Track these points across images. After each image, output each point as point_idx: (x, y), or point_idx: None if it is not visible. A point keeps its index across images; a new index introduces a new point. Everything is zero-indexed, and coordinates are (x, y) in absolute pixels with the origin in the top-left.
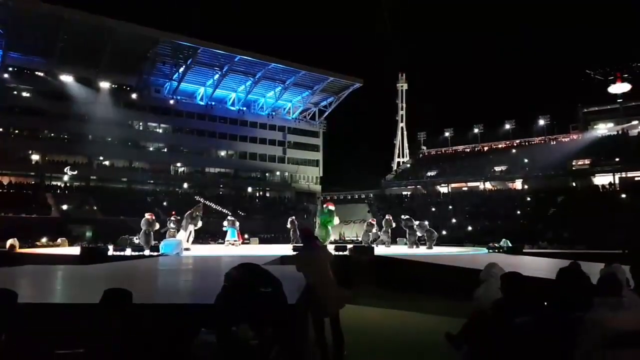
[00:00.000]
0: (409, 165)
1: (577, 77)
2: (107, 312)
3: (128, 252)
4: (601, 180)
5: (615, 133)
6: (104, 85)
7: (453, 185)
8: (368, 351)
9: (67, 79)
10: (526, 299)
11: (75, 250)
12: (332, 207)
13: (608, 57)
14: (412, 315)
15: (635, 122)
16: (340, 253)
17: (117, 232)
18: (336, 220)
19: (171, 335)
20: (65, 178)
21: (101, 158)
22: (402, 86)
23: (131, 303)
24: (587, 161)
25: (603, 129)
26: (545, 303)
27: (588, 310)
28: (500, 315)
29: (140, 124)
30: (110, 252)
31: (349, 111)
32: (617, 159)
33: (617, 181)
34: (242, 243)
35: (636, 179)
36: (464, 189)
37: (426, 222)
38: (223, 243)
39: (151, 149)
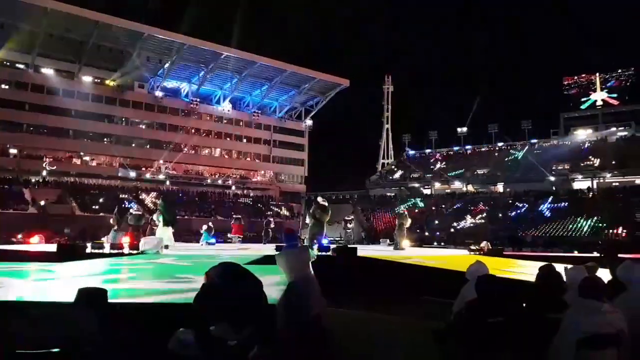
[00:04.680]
0: (393, 167)
1: (558, 84)
2: (82, 311)
3: (107, 249)
4: (580, 184)
5: (595, 139)
6: (86, 79)
7: (436, 186)
8: (351, 354)
9: (48, 72)
10: (499, 300)
11: (52, 247)
12: (321, 201)
13: (588, 65)
14: (393, 318)
15: (613, 129)
16: (324, 254)
17: (96, 229)
18: (327, 217)
19: (148, 334)
20: (44, 173)
21: (82, 153)
22: (387, 88)
23: (107, 302)
24: (566, 166)
25: (583, 134)
26: (524, 304)
27: (562, 311)
28: (473, 315)
29: (123, 119)
30: (89, 250)
31: (335, 111)
32: (595, 165)
33: (595, 186)
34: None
35: (614, 184)
36: (447, 191)
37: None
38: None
39: (133, 144)
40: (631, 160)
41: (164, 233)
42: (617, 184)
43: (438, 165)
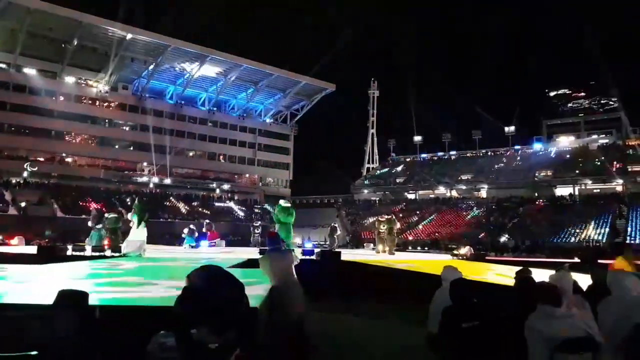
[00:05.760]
0: (378, 171)
1: (541, 90)
2: (62, 313)
3: (88, 252)
4: (562, 191)
5: (577, 146)
6: (69, 79)
7: (421, 192)
8: (332, 357)
9: (30, 72)
10: (473, 305)
11: (32, 249)
12: (283, 203)
13: (571, 73)
14: (377, 323)
15: (594, 136)
16: (307, 257)
17: (78, 231)
18: (292, 219)
19: (128, 337)
20: (25, 174)
21: (64, 155)
22: (373, 93)
23: (87, 304)
24: (549, 172)
25: (565, 141)
26: (502, 309)
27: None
28: (448, 320)
29: (106, 120)
30: (69, 252)
31: (320, 115)
32: (577, 171)
33: (577, 192)
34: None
35: (594, 190)
36: (431, 196)
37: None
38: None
39: (117, 146)
40: (611, 167)
41: (139, 234)
42: (597, 190)
43: (423, 170)
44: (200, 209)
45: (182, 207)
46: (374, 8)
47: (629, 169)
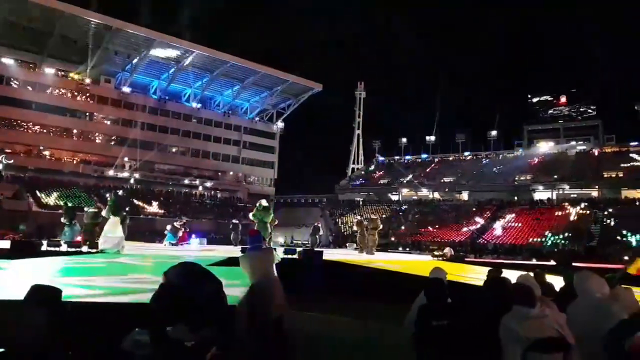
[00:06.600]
0: (363, 172)
1: (524, 96)
2: (33, 309)
3: (64, 247)
4: (540, 195)
5: (556, 152)
6: (49, 71)
7: (404, 193)
8: (313, 357)
9: (8, 62)
10: (445, 304)
11: (5, 243)
12: (264, 203)
13: (552, 80)
14: (357, 322)
15: (573, 143)
16: (289, 256)
17: (54, 226)
18: (270, 217)
19: (103, 335)
20: (0, 167)
21: (41, 148)
22: (360, 94)
23: (60, 301)
24: (528, 177)
25: (545, 147)
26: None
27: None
28: (419, 318)
29: (87, 114)
30: (44, 247)
31: (307, 115)
32: (555, 176)
33: (555, 197)
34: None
35: (572, 196)
36: (414, 197)
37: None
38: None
39: (98, 140)
40: (588, 173)
41: (116, 230)
42: (574, 195)
43: (406, 172)
44: (182, 206)
45: (164, 204)
46: (364, 9)
47: (604, 175)
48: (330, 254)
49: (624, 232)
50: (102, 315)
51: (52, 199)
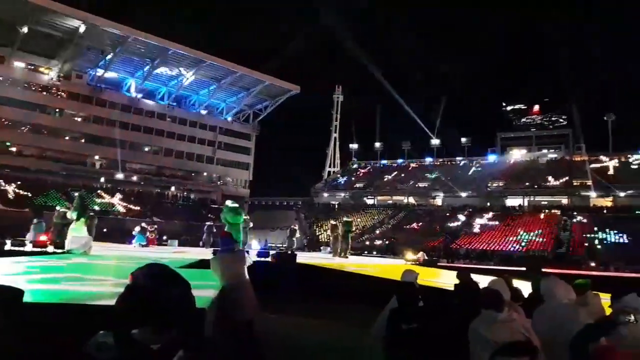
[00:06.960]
0: (339, 175)
1: (497, 104)
2: None
3: (29, 247)
4: (512, 202)
5: (528, 159)
6: (19, 65)
7: (379, 197)
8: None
9: None
10: (417, 307)
11: None
12: (230, 204)
13: (525, 89)
14: (330, 324)
15: (545, 151)
16: (262, 259)
17: (19, 225)
18: (239, 219)
19: (66, 337)
20: None
21: (8, 144)
22: (337, 97)
23: (22, 302)
24: (501, 183)
25: (517, 154)
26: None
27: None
28: (391, 321)
29: (57, 110)
30: (8, 247)
31: (284, 117)
32: (526, 183)
33: (526, 204)
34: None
35: (542, 202)
36: (389, 202)
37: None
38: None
39: (67, 137)
40: (559, 180)
41: (82, 231)
42: (545, 202)
43: (382, 177)
44: (153, 207)
45: (134, 204)
46: (347, 13)
47: (574, 183)
48: (304, 258)
49: (592, 236)
50: (65, 317)
51: (17, 197)
